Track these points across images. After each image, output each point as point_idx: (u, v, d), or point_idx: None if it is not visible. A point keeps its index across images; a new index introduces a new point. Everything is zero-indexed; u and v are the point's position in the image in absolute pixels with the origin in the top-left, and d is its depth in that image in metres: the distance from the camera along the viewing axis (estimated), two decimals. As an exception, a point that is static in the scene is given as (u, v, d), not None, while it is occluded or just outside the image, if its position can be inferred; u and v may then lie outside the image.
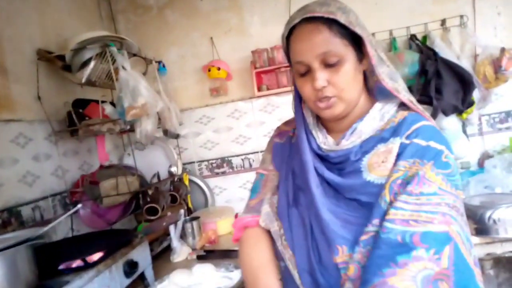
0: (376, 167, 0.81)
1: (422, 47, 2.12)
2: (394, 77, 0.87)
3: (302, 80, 0.86)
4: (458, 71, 2.00)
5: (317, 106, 0.85)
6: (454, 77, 1.99)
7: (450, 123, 2.04)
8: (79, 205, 1.14)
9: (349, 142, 0.86)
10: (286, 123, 1.08)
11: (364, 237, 0.76)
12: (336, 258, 0.77)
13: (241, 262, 0.96)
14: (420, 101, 1.97)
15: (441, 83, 1.97)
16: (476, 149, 2.25)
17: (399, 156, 0.79)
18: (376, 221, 0.75)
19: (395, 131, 0.83)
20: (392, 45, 2.23)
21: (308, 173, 0.87)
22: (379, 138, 0.84)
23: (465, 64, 2.09)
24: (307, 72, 0.84)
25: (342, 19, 0.80)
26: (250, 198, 1.04)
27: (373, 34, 2.27)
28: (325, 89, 0.82)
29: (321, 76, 0.81)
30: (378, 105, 0.88)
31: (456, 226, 0.72)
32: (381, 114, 0.87)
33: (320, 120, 0.95)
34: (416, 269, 0.66)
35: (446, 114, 1.98)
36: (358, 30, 0.81)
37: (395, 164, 0.79)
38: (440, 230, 0.70)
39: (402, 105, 0.89)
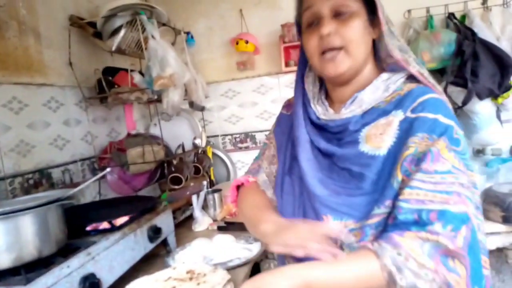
0: (373, 139, 0.79)
1: (460, 26, 2.02)
2: (404, 49, 0.85)
3: (308, 32, 0.84)
4: (496, 53, 1.90)
5: (322, 59, 0.82)
6: (492, 60, 1.90)
7: (483, 107, 1.96)
8: (108, 169, 1.18)
9: (349, 111, 0.84)
10: None
11: (375, 219, 0.73)
12: None
13: (240, 210, 0.99)
14: (454, 83, 1.94)
15: (478, 65, 1.88)
16: (509, 136, 2.16)
17: (407, 132, 0.75)
18: (388, 202, 0.72)
19: (399, 103, 0.80)
20: (428, 23, 2.13)
21: (299, 146, 0.87)
22: (382, 110, 0.81)
23: (505, 46, 1.99)
24: (315, 23, 0.82)
25: None
26: (250, 165, 1.09)
27: (408, 11, 2.19)
28: (331, 38, 0.79)
29: (329, 24, 0.79)
30: (384, 75, 0.85)
31: (472, 209, 0.70)
32: (386, 85, 0.83)
33: (324, 94, 0.93)
34: (427, 239, 0.65)
35: (480, 97, 1.90)
36: None
37: (404, 141, 0.74)
38: (459, 211, 0.67)
39: (412, 79, 0.84)
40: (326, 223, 0.77)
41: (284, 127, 1.00)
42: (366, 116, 0.82)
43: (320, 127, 0.88)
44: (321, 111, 0.89)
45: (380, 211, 0.73)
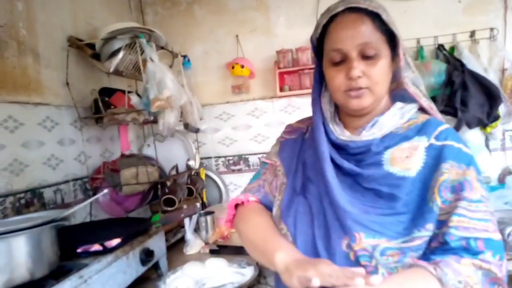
0: (399, 161, 0.81)
1: (450, 57, 2.09)
2: (416, 82, 0.91)
3: (334, 69, 0.84)
4: (485, 84, 1.97)
5: (347, 95, 0.84)
6: (480, 90, 1.96)
7: (473, 136, 2.01)
8: (106, 190, 1.17)
9: (370, 133, 0.86)
10: (300, 121, 1.08)
11: (417, 242, 0.74)
12: (353, 245, 0.76)
13: (240, 231, 0.94)
14: (444, 112, 1.99)
15: (467, 95, 1.94)
16: (497, 164, 2.21)
17: (437, 159, 0.79)
18: (430, 225, 0.75)
19: (420, 130, 0.84)
20: (419, 53, 2.20)
21: (324, 162, 0.85)
22: (403, 136, 0.85)
23: (492, 77, 2.06)
24: (342, 61, 0.83)
25: (383, 15, 0.81)
26: (248, 183, 1.05)
27: (400, 42, 2.26)
28: (359, 79, 0.81)
29: (359, 66, 0.81)
30: (398, 104, 0.89)
31: None
32: (401, 113, 0.88)
33: (337, 116, 0.94)
34: (480, 267, 0.69)
35: (470, 126, 1.95)
36: (395, 30, 0.83)
37: (435, 167, 0.78)
38: (498, 238, 0.73)
39: (422, 110, 0.91)
40: (359, 270, 0.69)
41: (291, 151, 0.99)
42: (386, 140, 0.85)
43: (338, 147, 0.88)
44: (339, 131, 0.90)
45: (422, 234, 0.75)
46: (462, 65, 2.03)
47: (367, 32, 0.80)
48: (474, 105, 1.92)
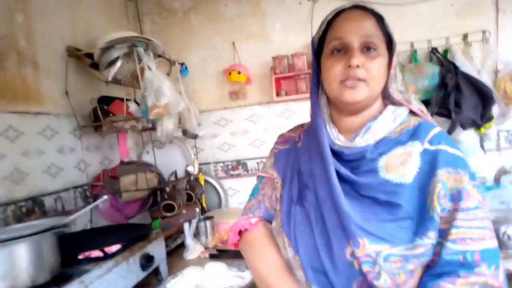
0: (395, 168, 0.81)
1: (443, 60, 2.12)
2: (403, 91, 0.92)
3: (333, 59, 0.85)
4: (478, 86, 1.99)
5: (342, 86, 0.84)
6: (474, 92, 1.99)
7: (467, 137, 2.03)
8: (105, 197, 1.19)
9: (364, 140, 0.86)
10: (292, 130, 1.08)
11: (420, 250, 0.75)
12: (356, 251, 0.76)
13: (250, 266, 0.95)
14: (438, 114, 2.02)
15: (461, 97, 1.97)
16: (492, 164, 2.23)
17: (432, 164, 0.79)
18: (431, 233, 0.75)
19: (413, 135, 0.84)
20: (412, 57, 2.23)
21: (329, 165, 0.84)
22: (396, 141, 0.85)
23: (486, 79, 2.08)
24: (342, 51, 0.85)
25: (386, 20, 0.86)
26: (248, 201, 1.04)
27: (394, 45, 2.29)
28: (358, 69, 0.82)
29: (359, 56, 0.82)
30: (390, 108, 0.90)
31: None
32: (393, 117, 0.88)
33: (331, 119, 0.94)
34: (476, 282, 0.70)
35: (464, 128, 1.98)
36: (394, 38, 0.86)
37: (431, 173, 0.78)
38: (493, 246, 0.73)
39: (412, 113, 0.91)
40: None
41: (285, 162, 0.99)
42: (380, 146, 0.85)
43: (334, 153, 0.87)
44: (335, 134, 0.90)
45: (424, 242, 0.75)
46: (456, 67, 2.05)
47: (371, 27, 0.83)
48: (467, 106, 1.95)
